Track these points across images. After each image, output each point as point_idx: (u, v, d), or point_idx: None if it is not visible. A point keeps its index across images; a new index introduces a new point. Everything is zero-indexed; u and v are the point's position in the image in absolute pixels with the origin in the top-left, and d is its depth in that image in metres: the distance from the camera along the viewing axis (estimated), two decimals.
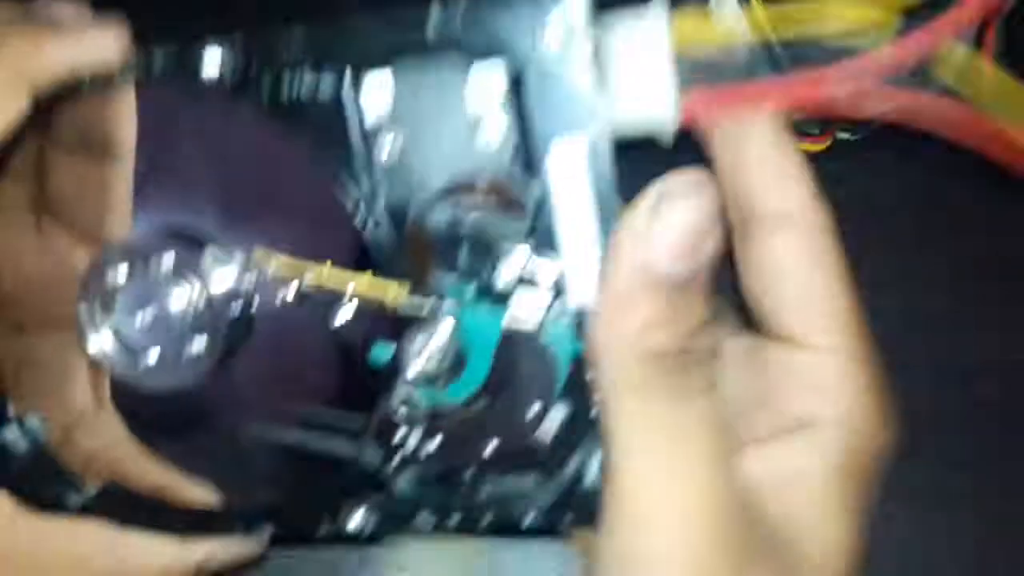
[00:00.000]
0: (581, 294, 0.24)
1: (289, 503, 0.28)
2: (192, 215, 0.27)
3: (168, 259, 0.26)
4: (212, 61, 0.24)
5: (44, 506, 0.26)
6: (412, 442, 0.26)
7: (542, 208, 0.24)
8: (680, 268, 0.20)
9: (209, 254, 0.27)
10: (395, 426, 0.26)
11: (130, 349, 0.27)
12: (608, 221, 0.23)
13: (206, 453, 0.28)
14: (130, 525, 0.27)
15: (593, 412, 0.25)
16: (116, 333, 0.27)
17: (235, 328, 0.27)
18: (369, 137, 0.25)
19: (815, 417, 0.23)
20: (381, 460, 0.27)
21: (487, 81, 0.24)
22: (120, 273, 0.26)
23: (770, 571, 0.21)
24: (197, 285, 0.26)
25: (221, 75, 0.24)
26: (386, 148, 0.25)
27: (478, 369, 0.25)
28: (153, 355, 0.27)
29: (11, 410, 0.28)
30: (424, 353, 0.25)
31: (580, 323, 0.24)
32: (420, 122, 0.25)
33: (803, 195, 0.24)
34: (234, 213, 0.27)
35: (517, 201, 0.24)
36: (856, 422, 0.23)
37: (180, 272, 0.26)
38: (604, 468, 0.24)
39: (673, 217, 0.20)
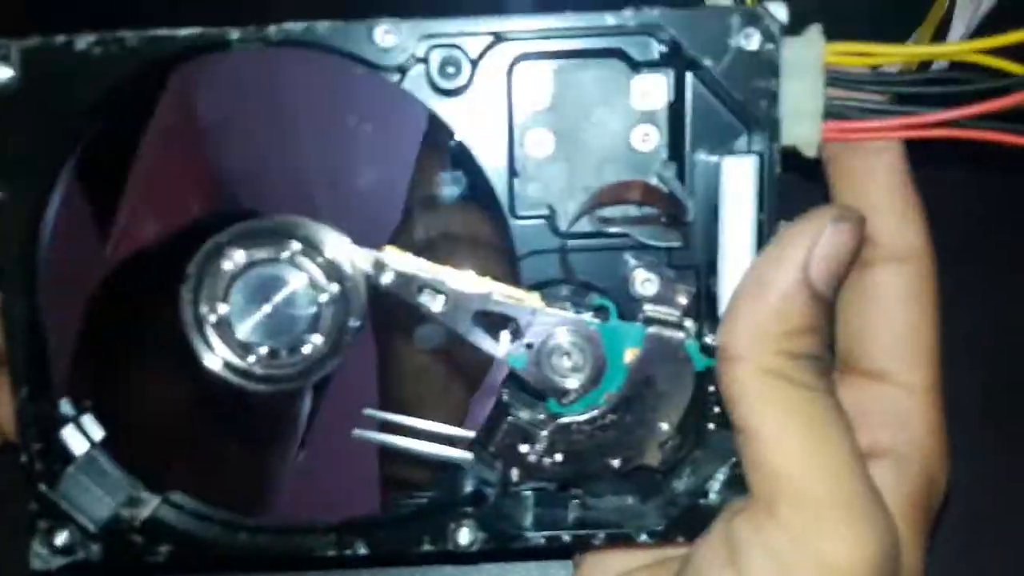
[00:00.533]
0: (730, 279, 0.24)
1: (388, 519, 0.26)
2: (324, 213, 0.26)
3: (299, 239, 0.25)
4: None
5: None
6: (533, 456, 0.26)
7: (695, 220, 0.25)
8: (826, 290, 0.23)
9: (336, 249, 0.25)
10: (518, 436, 0.26)
11: (237, 344, 0.25)
12: (765, 238, 0.24)
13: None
14: None
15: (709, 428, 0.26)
16: (222, 326, 0.25)
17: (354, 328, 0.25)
18: (519, 131, 0.25)
19: (894, 449, 0.25)
20: (499, 473, 0.26)
21: (651, 84, 0.25)
22: (241, 257, 0.25)
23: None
24: (325, 274, 0.25)
25: None
26: (539, 143, 0.25)
27: (611, 382, 0.25)
28: (263, 351, 0.25)
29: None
30: (563, 362, 0.25)
31: (704, 344, 0.25)
32: (576, 119, 0.25)
33: (920, 236, 0.25)
34: (367, 212, 0.26)
35: (671, 211, 0.25)
36: (929, 458, 0.25)
37: (306, 257, 0.25)
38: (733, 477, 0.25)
39: (838, 240, 0.23)
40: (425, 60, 0.24)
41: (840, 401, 0.24)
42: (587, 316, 0.25)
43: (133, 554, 0.26)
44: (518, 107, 0.25)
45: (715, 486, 0.26)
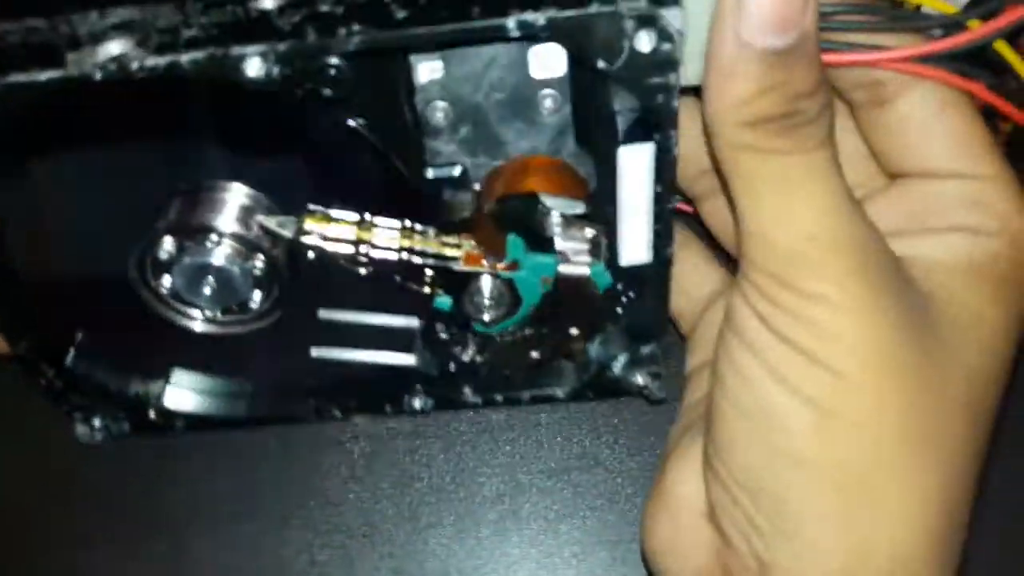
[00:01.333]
0: (630, 254, 0.27)
1: (355, 392, 0.32)
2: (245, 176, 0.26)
3: (216, 232, 0.27)
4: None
5: None
6: (465, 357, 0.30)
7: (600, 188, 0.25)
8: (776, 42, 0.20)
9: (265, 214, 0.27)
10: (451, 345, 0.30)
11: (193, 306, 0.28)
12: (662, 200, 0.25)
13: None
14: None
15: (617, 325, 0.30)
16: (176, 296, 0.28)
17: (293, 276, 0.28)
18: (421, 102, 0.25)
19: (975, 226, 0.24)
20: (439, 370, 0.31)
21: (549, 52, 0.24)
22: (171, 245, 0.27)
23: (930, 329, 0.23)
24: (249, 249, 0.27)
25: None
26: (439, 113, 0.25)
27: (528, 308, 0.29)
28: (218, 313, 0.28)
29: None
30: (484, 303, 0.28)
31: (614, 262, 0.27)
32: (477, 89, 0.25)
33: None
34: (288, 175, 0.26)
35: (577, 177, 0.25)
36: (1013, 241, 0.24)
37: (229, 240, 0.27)
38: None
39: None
40: None
41: (829, 153, 0.22)
42: (503, 267, 0.27)
43: (155, 428, 0.33)
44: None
45: (618, 364, 0.31)
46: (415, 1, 0.21)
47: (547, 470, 0.34)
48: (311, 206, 0.27)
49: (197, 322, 0.29)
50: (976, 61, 0.24)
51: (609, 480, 0.34)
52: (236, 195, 0.27)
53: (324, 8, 0.22)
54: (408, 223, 0.27)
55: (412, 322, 0.31)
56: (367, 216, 0.27)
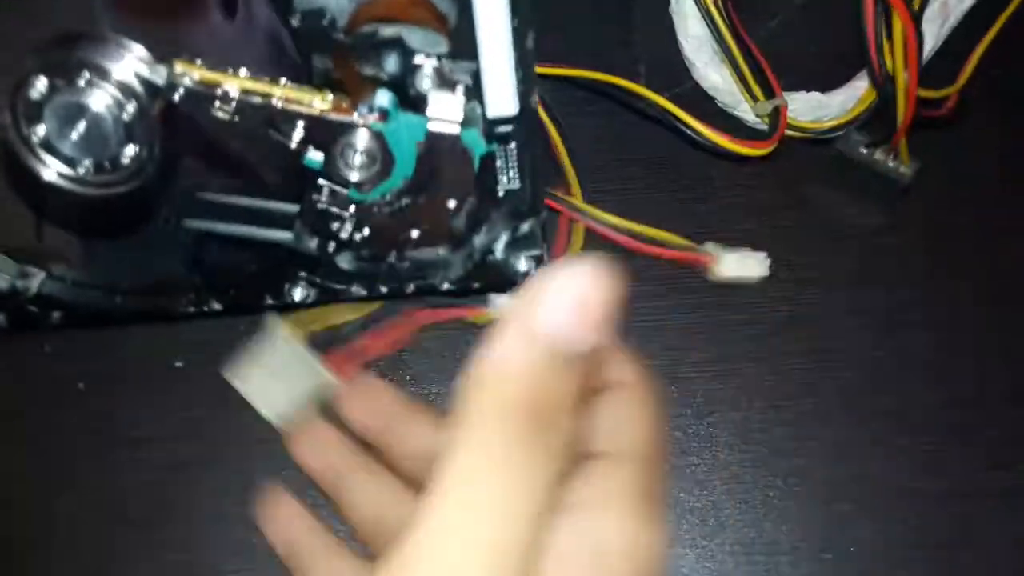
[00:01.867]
0: (497, 105, 0.27)
1: (236, 282, 0.32)
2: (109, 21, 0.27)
3: (91, 68, 0.27)
4: None
5: None
6: (344, 233, 0.30)
7: (460, 24, 0.26)
8: (564, 341, 0.19)
9: (133, 63, 0.27)
10: (328, 219, 0.30)
11: (64, 159, 0.28)
12: (520, 43, 0.26)
13: (148, 248, 0.31)
14: None
15: (499, 195, 0.30)
16: (47, 146, 0.28)
17: (166, 135, 0.28)
18: None
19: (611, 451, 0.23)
20: (317, 247, 0.31)
21: None
22: (44, 85, 0.27)
23: None
24: (123, 94, 0.27)
25: None
26: None
27: (402, 172, 0.29)
28: (87, 164, 0.28)
29: None
30: (355, 160, 0.28)
31: (490, 129, 0.28)
32: None
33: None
34: (156, 23, 0.27)
35: (439, 13, 0.26)
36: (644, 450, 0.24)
37: (102, 80, 0.27)
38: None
39: (564, 289, 0.19)
40: None
41: (543, 494, 0.19)
42: (372, 118, 0.28)
43: (32, 321, 0.32)
44: None
45: (500, 244, 0.31)
46: None
47: None
48: (186, 55, 0.27)
49: (67, 179, 0.29)
50: None
51: None
52: (112, 37, 0.27)
53: None
54: (282, 80, 0.28)
55: (291, 208, 0.31)
56: (242, 71, 0.28)
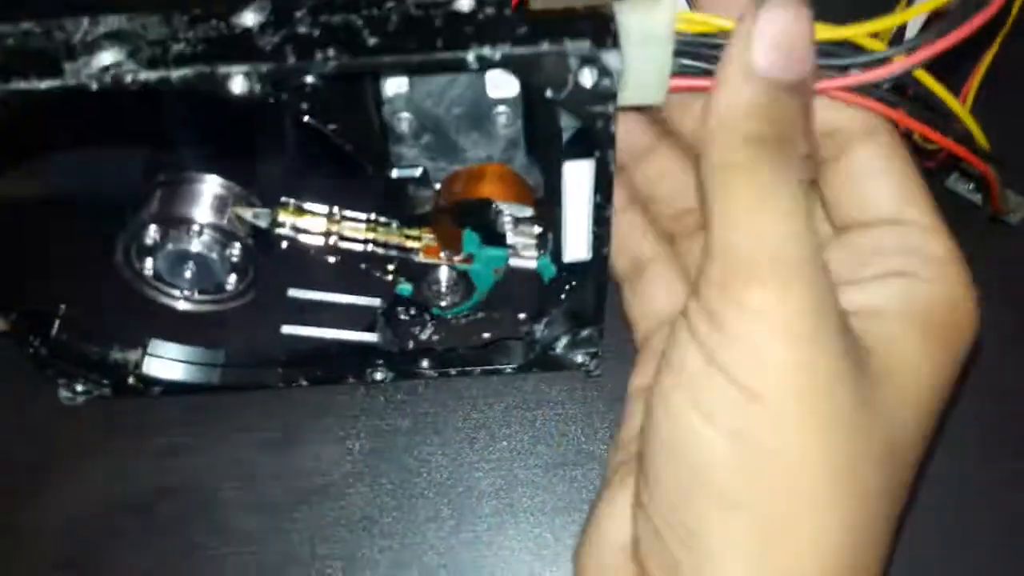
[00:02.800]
0: (572, 252, 0.30)
1: (321, 360, 0.35)
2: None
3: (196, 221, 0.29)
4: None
5: None
6: (423, 336, 0.34)
7: (545, 194, 0.28)
8: (777, 71, 0.23)
9: (241, 204, 0.29)
10: (409, 325, 0.33)
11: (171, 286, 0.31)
12: (601, 209, 0.28)
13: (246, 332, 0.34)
14: None
15: (559, 310, 0.33)
16: (157, 278, 0.30)
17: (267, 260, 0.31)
18: (387, 112, 0.28)
19: (912, 271, 0.24)
20: (398, 348, 0.34)
21: (503, 76, 0.27)
22: (155, 232, 0.29)
23: (858, 371, 0.23)
24: (227, 237, 0.30)
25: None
26: (404, 122, 0.28)
27: (480, 295, 0.32)
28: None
29: None
30: (441, 290, 0.31)
31: (558, 257, 0.31)
32: (439, 103, 0.27)
33: (876, 116, 0.25)
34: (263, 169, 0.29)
35: (526, 185, 0.28)
36: (949, 284, 0.24)
37: (208, 229, 0.29)
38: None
39: (768, 27, 0.23)
40: None
41: (807, 191, 0.23)
42: (458, 260, 0.30)
43: (135, 392, 0.36)
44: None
45: (561, 344, 0.34)
46: (384, 29, 0.24)
47: (543, 465, 0.36)
48: (284, 198, 0.30)
49: (177, 301, 0.32)
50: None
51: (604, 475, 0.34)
52: (211, 186, 0.29)
53: (302, 30, 0.24)
54: (373, 216, 0.30)
55: (375, 303, 0.34)
56: (336, 209, 0.30)
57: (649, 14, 0.24)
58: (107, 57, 0.24)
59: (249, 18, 0.25)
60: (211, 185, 0.29)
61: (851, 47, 0.25)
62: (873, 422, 0.23)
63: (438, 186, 0.30)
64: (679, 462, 0.23)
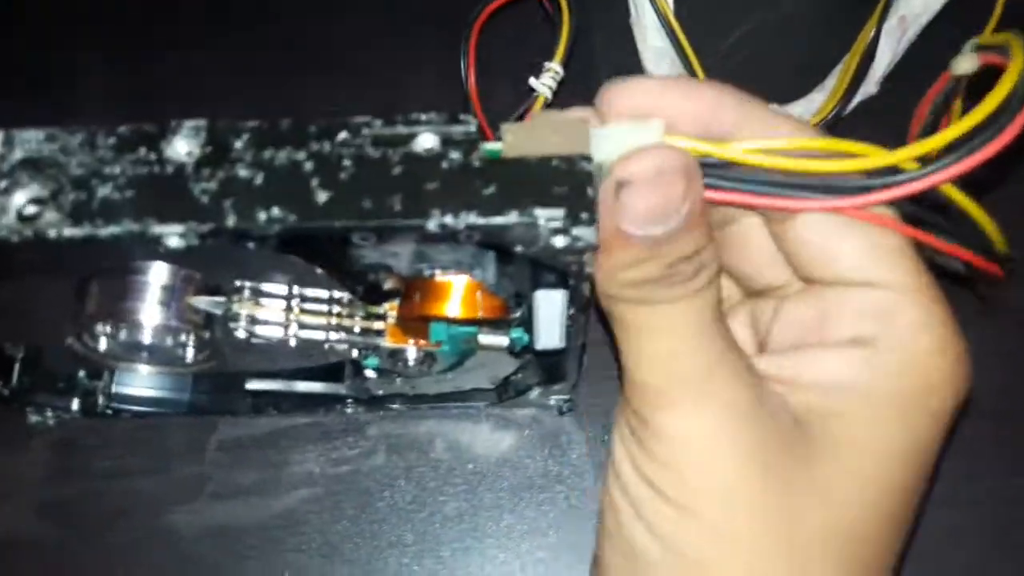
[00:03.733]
0: (546, 344, 0.28)
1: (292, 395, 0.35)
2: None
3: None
4: None
5: None
6: (393, 391, 0.33)
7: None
8: (654, 231, 0.21)
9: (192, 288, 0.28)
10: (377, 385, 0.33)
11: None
12: (575, 318, 0.26)
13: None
14: None
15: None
16: (113, 356, 0.29)
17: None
18: None
19: (878, 339, 0.22)
20: (367, 397, 0.34)
21: None
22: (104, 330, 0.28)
23: (791, 457, 0.22)
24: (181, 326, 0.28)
25: None
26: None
27: (449, 362, 0.31)
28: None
29: None
30: (409, 365, 0.30)
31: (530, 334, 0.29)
32: None
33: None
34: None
35: (495, 300, 0.27)
36: (921, 355, 0.22)
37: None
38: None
39: (635, 204, 0.21)
40: None
41: (700, 300, 0.22)
42: (425, 344, 0.29)
43: (104, 413, 0.35)
44: None
45: (534, 392, 0.34)
46: (336, 177, 0.21)
47: (509, 488, 0.35)
48: (238, 282, 0.28)
49: (137, 369, 0.31)
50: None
51: (571, 497, 0.35)
52: (159, 276, 0.27)
53: (242, 172, 0.21)
54: (336, 295, 0.29)
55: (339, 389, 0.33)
56: (295, 289, 0.28)
57: (638, 140, 0.22)
58: (25, 195, 0.22)
59: (181, 147, 0.22)
60: (154, 274, 0.27)
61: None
62: (817, 507, 0.22)
63: (403, 275, 0.28)
64: (625, 565, 0.24)
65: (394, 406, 0.35)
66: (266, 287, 0.28)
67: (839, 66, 0.38)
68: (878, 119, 0.38)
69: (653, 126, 0.22)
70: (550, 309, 0.26)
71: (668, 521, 0.23)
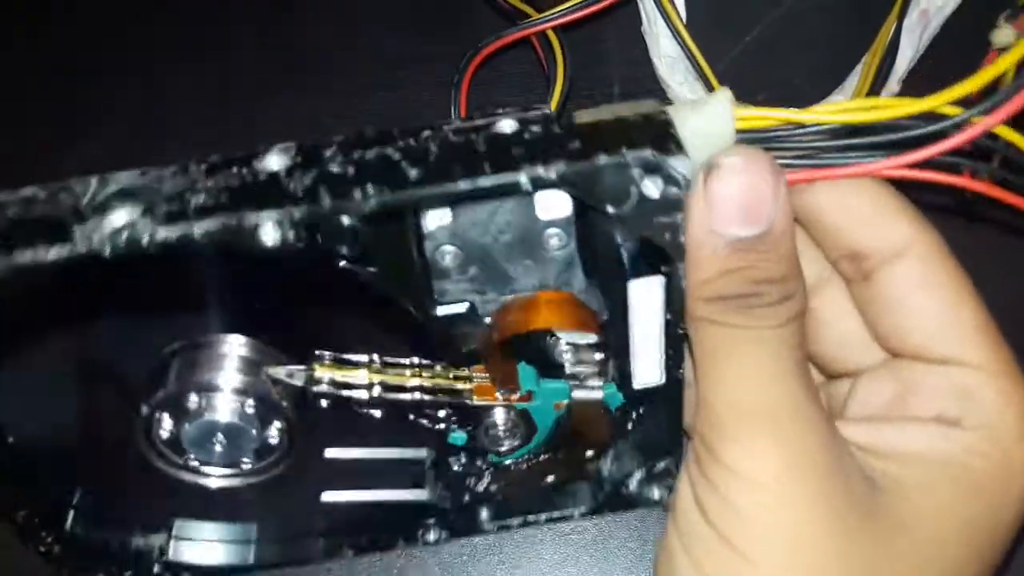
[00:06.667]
0: (643, 378, 0.27)
1: (367, 526, 0.31)
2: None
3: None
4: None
5: None
6: (479, 487, 0.30)
7: (612, 319, 0.26)
8: (741, 232, 0.21)
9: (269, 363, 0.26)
10: (464, 477, 0.30)
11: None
12: (672, 326, 0.25)
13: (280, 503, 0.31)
14: None
15: (629, 443, 0.30)
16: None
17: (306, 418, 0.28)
18: (430, 247, 0.25)
19: (957, 418, 0.23)
20: (452, 504, 0.30)
21: (554, 198, 0.24)
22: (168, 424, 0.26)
23: (863, 519, 0.22)
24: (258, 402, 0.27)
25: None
26: (448, 256, 0.25)
27: (542, 436, 0.28)
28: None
29: None
30: (499, 435, 0.28)
31: (626, 383, 0.27)
32: (484, 232, 0.25)
33: (907, 227, 0.24)
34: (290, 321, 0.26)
35: (586, 310, 0.26)
36: (998, 436, 0.22)
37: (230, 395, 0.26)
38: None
39: (724, 190, 0.21)
40: None
41: (784, 333, 0.22)
42: (516, 398, 0.27)
43: None
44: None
45: (634, 481, 0.31)
46: (424, 159, 0.22)
47: None
48: (318, 351, 0.27)
49: (207, 478, 0.28)
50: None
51: None
52: (235, 348, 0.26)
53: (334, 169, 0.22)
54: (418, 360, 0.27)
55: (422, 453, 0.30)
56: (376, 357, 0.27)
57: (706, 114, 0.23)
58: (120, 217, 0.22)
59: (274, 162, 0.22)
60: (235, 346, 0.26)
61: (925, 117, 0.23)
62: (879, 573, 0.22)
63: (488, 319, 0.27)
64: None
65: (481, 524, 0.31)
66: (346, 356, 0.27)
67: (859, 66, 0.37)
68: None
69: (720, 95, 0.23)
70: (646, 305, 0.24)
71: (720, 562, 0.22)
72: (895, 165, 0.23)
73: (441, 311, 0.26)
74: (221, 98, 0.44)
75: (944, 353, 0.23)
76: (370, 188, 0.21)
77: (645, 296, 0.24)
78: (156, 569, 0.31)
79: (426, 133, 0.23)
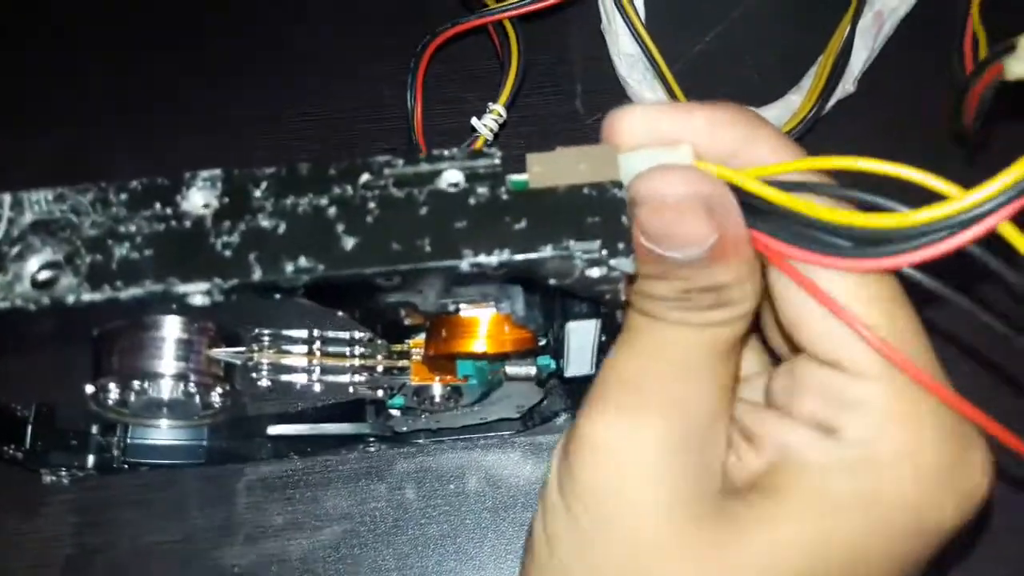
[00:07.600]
0: (576, 371, 0.28)
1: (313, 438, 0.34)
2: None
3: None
4: None
5: None
6: (418, 426, 0.32)
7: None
8: (675, 255, 0.20)
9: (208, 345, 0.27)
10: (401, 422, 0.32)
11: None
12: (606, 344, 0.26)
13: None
14: None
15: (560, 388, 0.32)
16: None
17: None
18: None
19: (838, 430, 0.21)
20: (391, 432, 0.33)
21: None
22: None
23: (718, 514, 0.21)
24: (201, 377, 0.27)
25: None
26: None
27: (474, 396, 0.30)
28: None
29: None
30: (435, 402, 0.29)
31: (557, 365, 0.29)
32: None
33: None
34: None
35: (522, 334, 0.26)
36: (880, 462, 0.20)
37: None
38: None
39: (646, 218, 0.20)
40: None
41: (706, 334, 0.21)
42: (452, 379, 0.28)
43: (120, 469, 0.34)
44: None
45: (560, 418, 0.33)
46: (362, 222, 0.21)
47: (491, 508, 0.34)
48: (257, 330, 0.27)
49: (159, 427, 0.30)
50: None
51: None
52: (175, 330, 0.26)
53: (263, 223, 0.21)
54: (355, 335, 0.28)
55: (365, 429, 0.32)
56: (316, 333, 0.28)
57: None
58: (38, 261, 0.21)
59: (198, 200, 0.21)
60: (168, 329, 0.26)
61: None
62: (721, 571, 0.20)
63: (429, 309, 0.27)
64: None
65: (418, 441, 0.34)
66: (285, 332, 0.27)
67: (814, 66, 0.37)
68: (857, 118, 0.38)
69: (681, 151, 0.21)
70: (583, 339, 0.25)
71: (568, 534, 0.21)
72: (867, 268, 0.20)
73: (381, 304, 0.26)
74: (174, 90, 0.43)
75: (834, 356, 0.21)
76: (303, 261, 0.20)
77: (582, 332, 0.25)
78: (116, 456, 0.34)
79: (365, 178, 0.21)
